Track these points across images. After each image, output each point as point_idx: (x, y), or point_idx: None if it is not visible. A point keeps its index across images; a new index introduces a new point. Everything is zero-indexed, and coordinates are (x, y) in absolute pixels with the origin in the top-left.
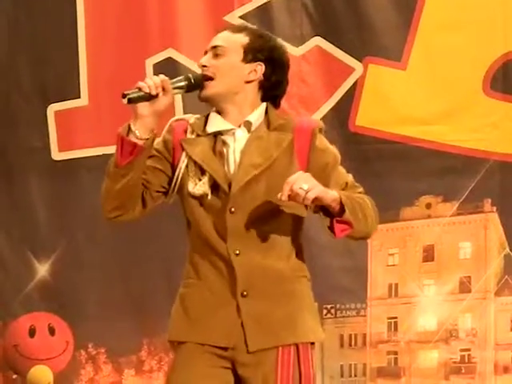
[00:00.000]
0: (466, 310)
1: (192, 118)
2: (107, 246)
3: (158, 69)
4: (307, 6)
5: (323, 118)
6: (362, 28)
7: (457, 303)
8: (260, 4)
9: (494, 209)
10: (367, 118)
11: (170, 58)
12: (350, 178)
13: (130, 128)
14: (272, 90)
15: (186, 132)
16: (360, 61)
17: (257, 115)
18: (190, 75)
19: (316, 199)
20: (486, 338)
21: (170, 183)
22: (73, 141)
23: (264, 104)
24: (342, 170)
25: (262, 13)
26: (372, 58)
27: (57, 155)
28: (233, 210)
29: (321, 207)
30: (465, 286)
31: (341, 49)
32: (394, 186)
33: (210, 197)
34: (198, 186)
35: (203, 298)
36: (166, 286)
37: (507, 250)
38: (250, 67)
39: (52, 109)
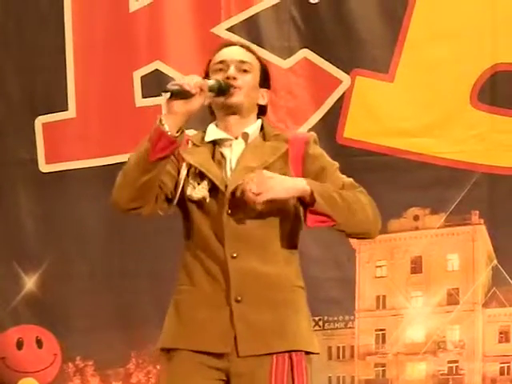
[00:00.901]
0: (453, 322)
1: (191, 131)
2: (95, 259)
3: (146, 81)
4: (295, 19)
5: (311, 130)
6: (350, 40)
7: (445, 315)
8: (247, 16)
9: (482, 221)
10: (355, 129)
11: (157, 70)
12: (347, 179)
13: (162, 123)
14: (265, 111)
15: (187, 145)
16: (347, 73)
17: (254, 128)
18: (222, 81)
19: (269, 200)
20: (474, 349)
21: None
22: (60, 153)
23: (260, 120)
24: (339, 173)
25: (250, 25)
26: (359, 70)
27: (44, 167)
28: (229, 212)
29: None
30: (453, 298)
31: (328, 61)
32: (382, 198)
33: (208, 200)
34: (197, 190)
35: (197, 303)
36: (154, 299)
37: (495, 261)
38: (261, 92)
39: (40, 121)
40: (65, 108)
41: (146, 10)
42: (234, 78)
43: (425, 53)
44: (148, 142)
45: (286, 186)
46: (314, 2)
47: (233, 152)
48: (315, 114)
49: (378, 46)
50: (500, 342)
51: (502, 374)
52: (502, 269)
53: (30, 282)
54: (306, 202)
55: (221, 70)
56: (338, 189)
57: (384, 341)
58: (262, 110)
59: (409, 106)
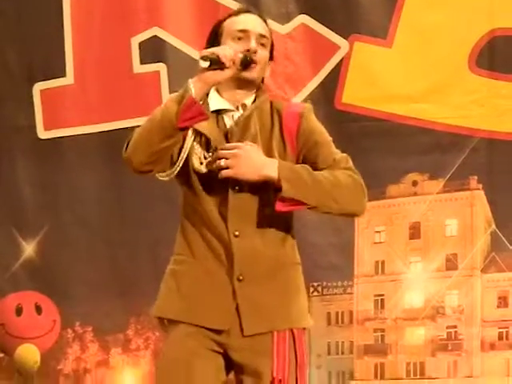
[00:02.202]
0: (452, 287)
1: None
2: (94, 226)
3: (144, 47)
4: None
5: (309, 96)
6: (348, 6)
7: (443, 280)
8: None
9: (480, 186)
10: (353, 95)
11: (155, 36)
12: (339, 155)
13: (190, 91)
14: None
15: None
16: (346, 38)
17: (252, 99)
18: (247, 56)
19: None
20: (473, 314)
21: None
22: (59, 119)
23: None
24: (332, 149)
25: None
26: (358, 36)
27: (43, 134)
28: (237, 188)
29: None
30: (451, 263)
31: (326, 27)
32: (380, 163)
33: (215, 175)
34: (206, 164)
35: (198, 278)
36: (153, 267)
37: (493, 227)
38: (268, 65)
39: (38, 87)
40: (63, 74)
41: None
42: (255, 52)
43: (423, 18)
44: (177, 106)
45: (255, 170)
46: None
47: (234, 123)
48: (313, 79)
49: (376, 12)
50: (499, 306)
51: (500, 338)
52: (500, 234)
53: (28, 249)
54: (275, 188)
55: (240, 38)
56: (328, 165)
57: (383, 306)
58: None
59: (407, 72)
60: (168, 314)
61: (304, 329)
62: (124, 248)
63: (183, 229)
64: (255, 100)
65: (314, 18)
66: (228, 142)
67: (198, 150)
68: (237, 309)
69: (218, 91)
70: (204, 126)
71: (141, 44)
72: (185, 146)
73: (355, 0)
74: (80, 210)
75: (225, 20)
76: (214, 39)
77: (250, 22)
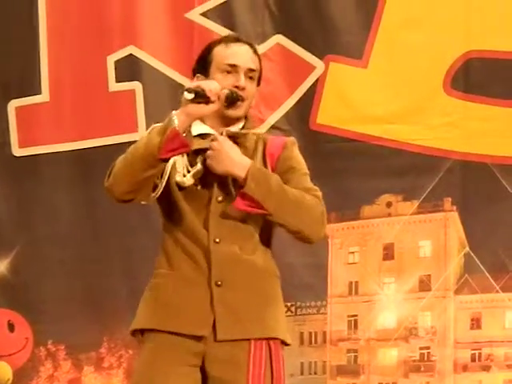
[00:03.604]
0: (425, 309)
1: None
2: (67, 243)
3: (120, 66)
4: (269, 4)
5: (284, 116)
6: (324, 26)
7: (417, 301)
8: (221, 1)
9: (454, 208)
10: (328, 116)
11: (131, 54)
12: (311, 185)
13: (173, 123)
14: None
15: None
16: (321, 59)
17: (239, 126)
18: (234, 93)
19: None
20: (446, 336)
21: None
22: (34, 137)
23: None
24: (306, 177)
25: (224, 10)
26: (333, 56)
27: (17, 151)
28: (220, 199)
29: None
30: (425, 285)
31: (302, 47)
32: (355, 184)
33: (199, 187)
34: (189, 176)
35: (176, 287)
36: (127, 284)
37: (467, 248)
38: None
39: (13, 104)
40: (38, 92)
41: None
42: (243, 89)
43: (398, 39)
44: (159, 138)
45: (227, 164)
46: None
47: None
48: (289, 99)
49: (352, 32)
50: (471, 328)
51: (473, 360)
52: (474, 256)
53: (1, 266)
54: (239, 184)
55: (229, 72)
56: (299, 188)
57: (356, 327)
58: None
59: (382, 93)
60: (144, 325)
61: (282, 343)
62: (97, 265)
63: (164, 244)
64: (242, 128)
65: (290, 38)
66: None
67: (181, 166)
68: (214, 315)
69: (201, 120)
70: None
71: (116, 62)
72: (165, 169)
73: (331, 20)
74: (53, 228)
75: (215, 46)
76: (203, 66)
77: (240, 56)
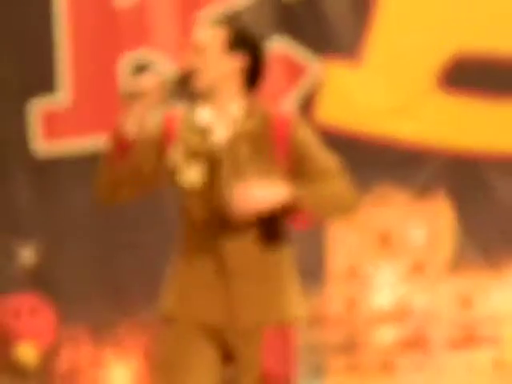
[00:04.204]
0: (419, 291)
1: (182, 110)
2: (87, 232)
3: (132, 66)
4: (269, 7)
5: None
6: (320, 27)
7: (411, 284)
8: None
9: (446, 199)
10: (325, 112)
11: (143, 54)
12: (327, 162)
13: (122, 124)
14: (254, 78)
15: (176, 124)
16: (319, 58)
17: (238, 107)
18: (180, 72)
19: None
20: (438, 316)
21: (159, 168)
22: (54, 135)
23: (244, 97)
24: (322, 155)
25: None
26: (330, 55)
27: (38, 148)
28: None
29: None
30: (418, 268)
31: (301, 46)
32: (353, 176)
33: (207, 185)
34: (193, 170)
35: (195, 278)
36: (143, 270)
37: (458, 235)
38: (232, 56)
39: (33, 104)
40: (58, 91)
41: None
42: (191, 64)
43: (392, 39)
44: (112, 140)
45: (266, 203)
46: None
47: (220, 132)
48: (288, 97)
49: (348, 32)
50: (462, 308)
51: (464, 338)
52: (464, 242)
53: (26, 253)
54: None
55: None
56: (319, 174)
57: (354, 308)
58: (252, 79)
59: (376, 89)
60: (170, 314)
61: (295, 324)
62: (115, 252)
63: (182, 236)
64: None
65: (289, 39)
66: (216, 159)
67: (185, 164)
68: (231, 304)
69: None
70: (193, 145)
71: (130, 62)
72: (169, 161)
73: (328, 22)
74: (74, 218)
75: None
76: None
77: (195, 35)
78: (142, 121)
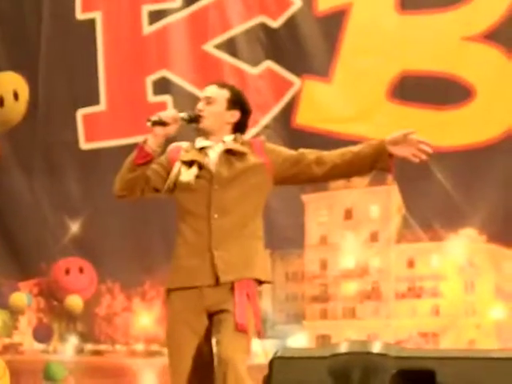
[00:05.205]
0: (375, 255)
1: (185, 143)
2: (122, 211)
3: (156, 84)
4: (261, 38)
5: (272, 118)
6: (300, 53)
7: (369, 249)
8: (228, 37)
9: (395, 183)
10: (304, 118)
11: (164, 76)
12: (299, 152)
13: (146, 141)
14: (241, 126)
15: (179, 152)
16: (298, 77)
17: (230, 138)
18: (192, 113)
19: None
20: (389, 274)
21: (164, 183)
22: (95, 135)
23: (233, 135)
24: (292, 152)
25: (229, 43)
26: (307, 75)
27: (84, 146)
28: (216, 187)
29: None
30: (374, 237)
31: (285, 68)
32: None
33: (193, 182)
34: (190, 172)
35: (188, 253)
36: (163, 240)
37: (403, 211)
38: (231, 113)
39: (80, 112)
40: (98, 102)
41: (157, 32)
42: (200, 110)
43: (353, 61)
44: (135, 152)
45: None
46: (274, 27)
47: (215, 152)
48: (275, 106)
49: (321, 57)
50: (408, 268)
51: (409, 290)
52: (408, 216)
53: (74, 227)
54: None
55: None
56: (297, 158)
57: (326, 267)
58: (240, 126)
59: (342, 100)
60: (168, 285)
61: (260, 283)
62: (143, 226)
63: (178, 225)
64: (234, 139)
65: (276, 63)
66: (209, 161)
67: (183, 170)
68: (214, 268)
69: (205, 137)
70: (189, 155)
71: (153, 81)
72: (172, 172)
73: (305, 49)
74: (111, 200)
75: None
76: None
77: (203, 91)
78: (161, 142)
